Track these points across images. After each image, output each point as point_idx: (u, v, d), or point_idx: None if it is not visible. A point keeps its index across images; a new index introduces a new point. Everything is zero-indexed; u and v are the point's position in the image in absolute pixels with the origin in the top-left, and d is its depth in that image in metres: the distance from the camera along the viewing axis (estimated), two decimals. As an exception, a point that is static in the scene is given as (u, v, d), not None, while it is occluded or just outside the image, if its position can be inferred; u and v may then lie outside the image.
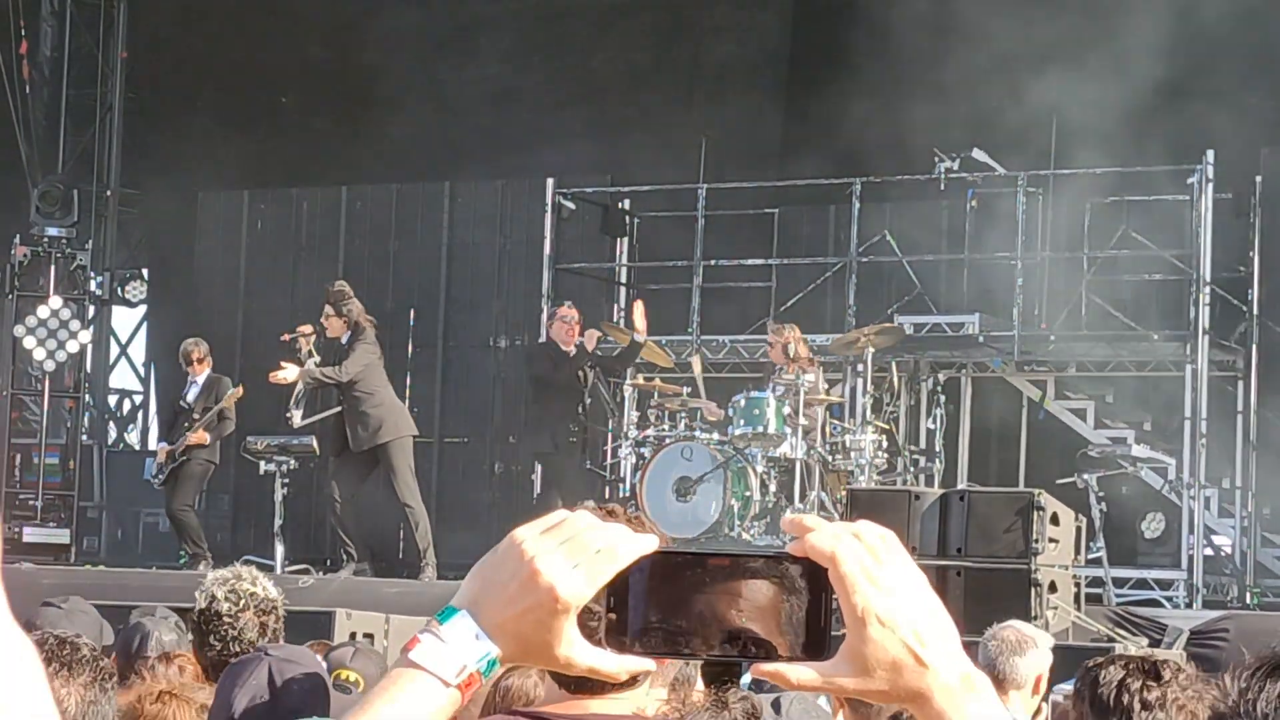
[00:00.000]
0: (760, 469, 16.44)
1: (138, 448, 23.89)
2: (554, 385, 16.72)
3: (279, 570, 16.44)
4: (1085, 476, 16.10)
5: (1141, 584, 16.68)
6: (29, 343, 20.83)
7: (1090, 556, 14.80)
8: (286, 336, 17.11)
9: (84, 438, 22.08)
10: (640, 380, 17.71)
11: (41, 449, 21.04)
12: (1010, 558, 12.56)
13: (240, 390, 17.49)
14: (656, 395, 16.82)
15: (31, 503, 20.87)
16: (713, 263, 18.81)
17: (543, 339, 17.55)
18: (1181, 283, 17.23)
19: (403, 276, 21.20)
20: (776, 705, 5.05)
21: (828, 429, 16.64)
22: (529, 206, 20.72)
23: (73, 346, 21.09)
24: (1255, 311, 17.47)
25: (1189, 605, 15.94)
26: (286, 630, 6.33)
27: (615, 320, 19.52)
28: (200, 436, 17.07)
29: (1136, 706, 4.49)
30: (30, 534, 20.43)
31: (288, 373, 16.37)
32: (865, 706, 5.42)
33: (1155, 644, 13.07)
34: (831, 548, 1.89)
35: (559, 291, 19.90)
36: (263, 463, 17.91)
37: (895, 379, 17.81)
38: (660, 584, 1.93)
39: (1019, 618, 12.21)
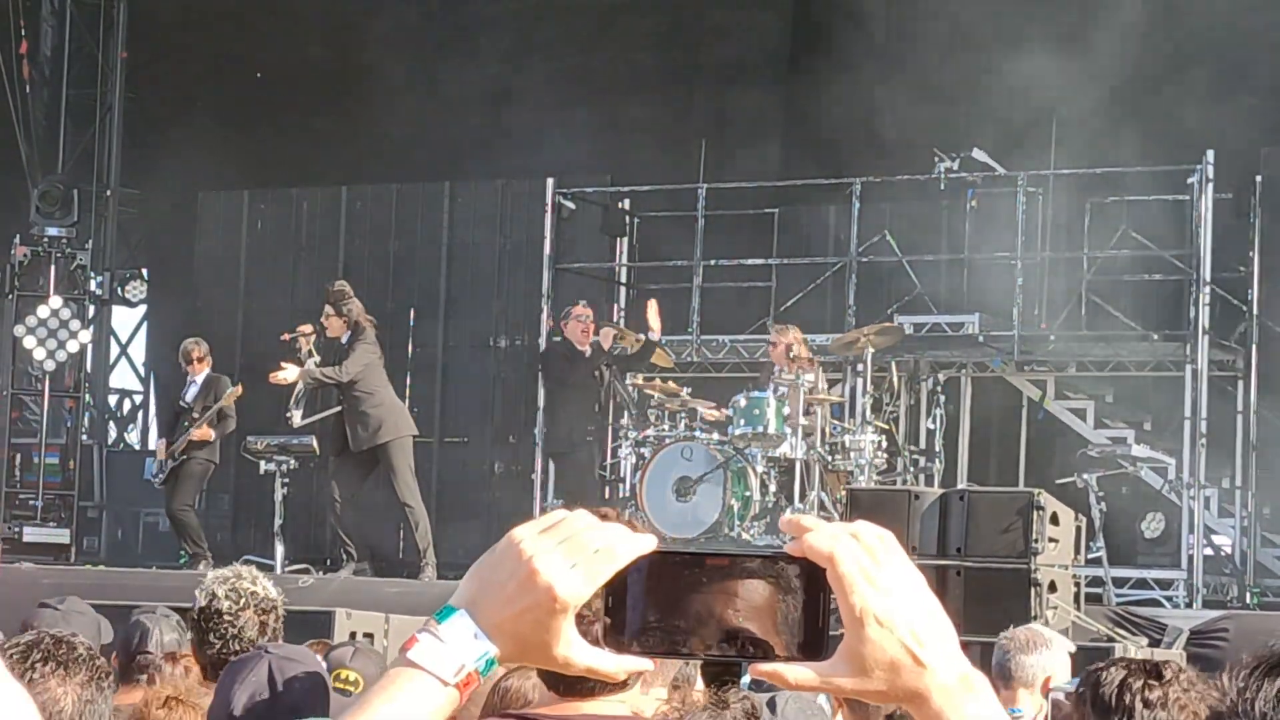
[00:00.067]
0: (760, 469, 16.43)
1: (138, 447, 23.90)
2: (570, 384, 16.65)
3: (279, 570, 16.43)
4: (1085, 476, 16.10)
5: (1141, 584, 16.67)
6: (29, 342, 20.83)
7: (1090, 556, 14.80)
8: (286, 336, 17.11)
9: (84, 437, 22.08)
10: (640, 380, 17.70)
11: (41, 449, 21.05)
12: (1010, 558, 12.55)
13: (239, 389, 17.48)
14: (656, 395, 16.81)
15: (31, 503, 20.88)
16: (713, 263, 18.80)
17: (557, 338, 17.41)
18: (1181, 283, 17.23)
19: (403, 276, 21.19)
20: (772, 704, 5.05)
21: (827, 429, 16.64)
22: (529, 206, 20.72)
23: (73, 346, 21.09)
24: (1255, 311, 17.47)
25: (1189, 605, 15.94)
26: (286, 630, 6.33)
27: (616, 320, 19.52)
28: (204, 433, 17.03)
29: (1138, 705, 4.49)
30: (30, 534, 20.44)
31: (288, 373, 16.36)
32: (864, 706, 5.43)
33: (1155, 644, 13.07)
34: (829, 548, 1.90)
35: (559, 291, 19.90)
36: (263, 463, 17.91)
37: (895, 379, 17.81)
38: (658, 584, 1.93)
39: (1018, 618, 12.23)
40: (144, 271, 24.74)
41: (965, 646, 1.96)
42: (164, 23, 22.87)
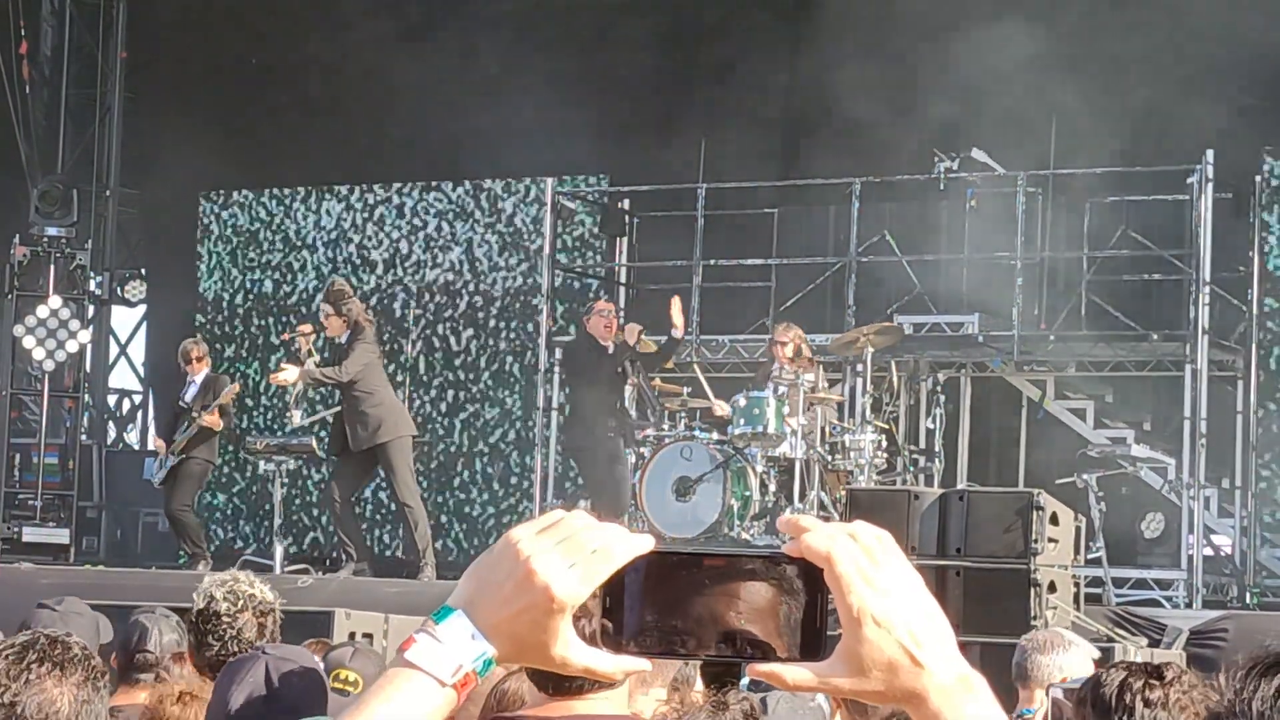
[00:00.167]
0: (760, 469, 16.43)
1: (137, 448, 23.89)
2: (593, 380, 16.47)
3: (278, 570, 16.43)
4: (1085, 476, 16.10)
5: (1141, 584, 16.68)
6: (28, 342, 20.83)
7: (1090, 556, 14.79)
8: (286, 336, 17.11)
9: (83, 437, 22.08)
10: (639, 380, 17.70)
11: (41, 449, 21.05)
12: (1010, 558, 12.55)
13: (237, 386, 17.46)
14: (656, 395, 16.79)
15: (31, 503, 20.88)
16: (712, 263, 18.80)
17: (580, 333, 17.21)
18: (1181, 283, 17.23)
19: (402, 276, 21.21)
20: (764, 704, 5.06)
21: (827, 429, 16.64)
22: (529, 206, 20.73)
23: (72, 346, 21.09)
24: (1255, 311, 17.47)
25: (1189, 605, 15.93)
26: (286, 630, 6.34)
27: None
28: (213, 420, 16.95)
29: (1139, 705, 4.49)
30: (30, 534, 20.44)
31: (287, 373, 16.36)
32: (863, 706, 5.42)
33: (1155, 644, 13.07)
34: (827, 548, 1.89)
35: (559, 291, 19.92)
36: (262, 463, 17.92)
37: (895, 379, 17.81)
38: (656, 584, 1.93)
39: (1018, 618, 12.25)
40: (143, 271, 24.74)
41: (964, 647, 1.96)
42: (164, 23, 22.87)
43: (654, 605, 1.93)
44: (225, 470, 21.32)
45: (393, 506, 17.98)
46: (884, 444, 16.76)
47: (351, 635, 11.68)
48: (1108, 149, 17.31)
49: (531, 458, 19.56)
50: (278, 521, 17.34)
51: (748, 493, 16.44)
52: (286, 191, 22.13)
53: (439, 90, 19.75)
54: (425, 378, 21.07)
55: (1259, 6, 17.29)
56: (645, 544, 1.94)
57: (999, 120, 17.30)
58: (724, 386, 17.19)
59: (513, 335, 20.77)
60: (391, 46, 20.26)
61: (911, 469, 17.52)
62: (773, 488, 16.49)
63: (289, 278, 22.02)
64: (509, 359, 20.80)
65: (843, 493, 15.48)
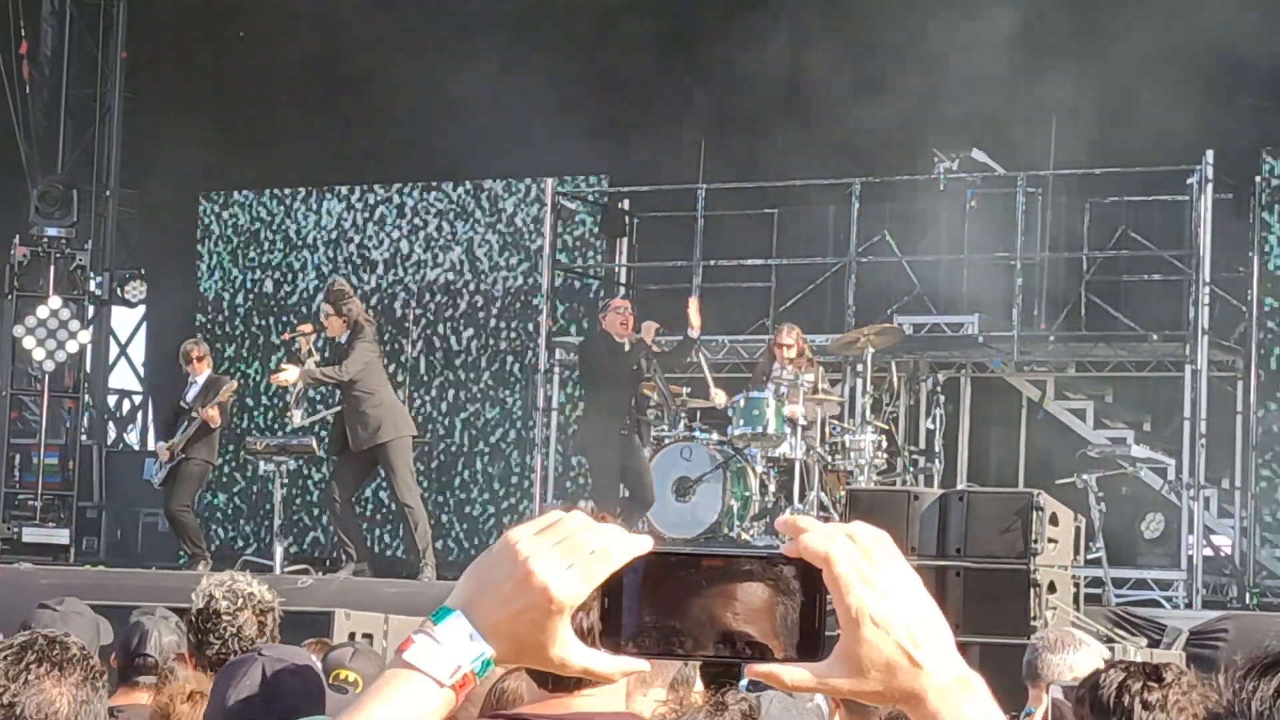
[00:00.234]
0: (760, 469, 16.44)
1: (137, 448, 23.89)
2: (608, 377, 16.30)
3: (278, 570, 16.43)
4: (1085, 477, 16.10)
5: (1141, 584, 16.68)
6: (28, 343, 20.83)
7: (1090, 557, 14.79)
8: (286, 336, 17.11)
9: (83, 438, 22.08)
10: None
11: (41, 449, 21.04)
12: (1009, 558, 12.55)
13: (235, 383, 17.44)
14: (656, 395, 16.78)
15: (31, 503, 20.87)
16: (712, 263, 18.81)
17: (596, 331, 17.06)
18: (1181, 283, 17.23)
19: (402, 276, 21.22)
20: (758, 704, 5.05)
21: (827, 429, 16.64)
22: (529, 206, 20.73)
23: (72, 347, 21.09)
24: (1255, 312, 17.48)
25: (1188, 606, 15.94)
26: (285, 631, 6.34)
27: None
28: (211, 415, 16.91)
29: (1137, 707, 4.48)
30: (30, 534, 20.44)
31: (288, 373, 16.36)
32: (862, 707, 5.43)
33: (1154, 644, 13.07)
34: (826, 549, 1.89)
35: (559, 291, 19.92)
36: (262, 463, 17.91)
37: (895, 379, 17.81)
38: (654, 585, 1.93)
39: (1018, 619, 12.25)
40: (143, 271, 24.73)
41: (964, 647, 1.96)
42: (164, 22, 22.87)
43: (652, 606, 1.93)
44: (225, 470, 21.32)
45: (393, 506, 17.96)
46: (884, 444, 16.77)
47: (351, 636, 11.68)
48: (1108, 149, 17.30)
49: (531, 458, 19.56)
50: (278, 522, 17.33)
51: (747, 493, 16.44)
52: (286, 191, 22.13)
53: (439, 90, 19.75)
54: (425, 378, 21.07)
55: (1259, 6, 17.29)
56: (644, 544, 1.94)
57: (999, 120, 17.30)
58: (724, 386, 17.17)
59: (513, 335, 20.77)
60: (391, 46, 20.26)
61: (911, 469, 17.53)
62: (772, 488, 16.49)
63: (289, 278, 22.02)
64: (509, 359, 20.80)
65: (842, 493, 15.49)
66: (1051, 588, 12.69)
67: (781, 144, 19.55)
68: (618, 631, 1.93)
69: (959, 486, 16.24)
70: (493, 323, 20.92)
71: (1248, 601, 16.58)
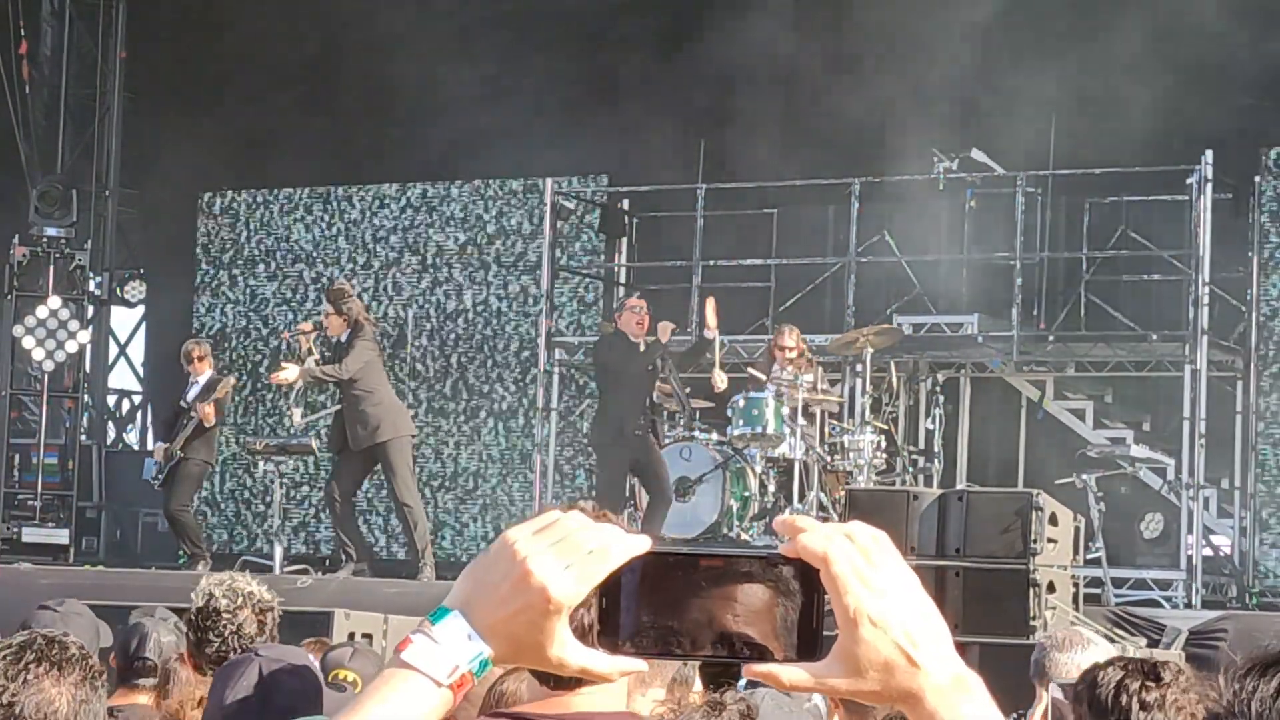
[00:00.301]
0: (759, 469, 16.44)
1: (136, 448, 23.88)
2: (623, 377, 16.16)
3: (278, 570, 16.43)
4: (1084, 477, 16.10)
5: (1140, 584, 16.68)
6: (28, 343, 20.83)
7: (1089, 557, 14.79)
8: (287, 335, 17.11)
9: (83, 438, 22.08)
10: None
11: (40, 449, 21.04)
12: (1009, 558, 12.55)
13: (232, 379, 17.43)
14: (656, 395, 16.76)
15: (30, 503, 20.87)
16: (712, 263, 18.80)
17: (612, 330, 16.95)
18: (1180, 283, 17.23)
19: (402, 276, 21.21)
20: (749, 703, 5.06)
21: (826, 429, 16.64)
22: (529, 206, 20.73)
23: (71, 347, 21.09)
24: (1254, 312, 17.48)
25: (1188, 606, 15.94)
26: (285, 631, 6.35)
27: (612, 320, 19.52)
28: (208, 412, 16.89)
29: (1135, 707, 4.48)
30: (29, 534, 20.43)
31: (288, 372, 16.36)
32: (861, 707, 5.42)
33: (1154, 644, 13.07)
34: (823, 549, 1.89)
35: (559, 291, 19.92)
36: (262, 463, 17.91)
37: (894, 379, 17.81)
38: (652, 585, 1.93)
39: (1017, 619, 12.26)
40: (142, 271, 24.73)
41: (964, 647, 1.96)
42: (163, 22, 22.86)
43: (650, 606, 1.93)
44: (225, 470, 21.32)
45: (392, 506, 17.95)
46: (883, 444, 16.77)
47: (351, 635, 11.68)
48: (1108, 149, 17.30)
49: (531, 458, 19.56)
50: (277, 522, 17.33)
51: (747, 493, 16.44)
52: (286, 191, 22.12)
53: (439, 90, 19.74)
54: (424, 377, 21.06)
55: (1259, 6, 17.29)
56: (642, 544, 1.94)
57: (999, 120, 17.30)
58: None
59: (513, 335, 20.76)
60: (392, 46, 20.25)
61: (911, 469, 17.53)
62: (772, 488, 16.49)
63: (289, 278, 22.01)
64: (509, 358, 20.79)
65: (842, 493, 15.48)
66: (1051, 588, 12.69)
67: (781, 144, 19.55)
68: (615, 631, 1.93)
69: (958, 486, 16.24)
70: (492, 322, 20.91)
71: (1247, 601, 16.57)
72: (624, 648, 1.93)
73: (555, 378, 19.27)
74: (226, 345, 21.98)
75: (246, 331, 22.09)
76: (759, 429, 16.15)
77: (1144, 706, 4.45)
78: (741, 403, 16.27)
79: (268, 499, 17.55)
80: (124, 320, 24.88)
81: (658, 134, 19.74)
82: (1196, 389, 16.62)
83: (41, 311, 20.82)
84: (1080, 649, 6.68)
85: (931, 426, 18.03)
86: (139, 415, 24.93)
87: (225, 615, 6.03)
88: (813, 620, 1.92)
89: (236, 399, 20.46)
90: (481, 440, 20.75)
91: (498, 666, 2.03)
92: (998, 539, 12.59)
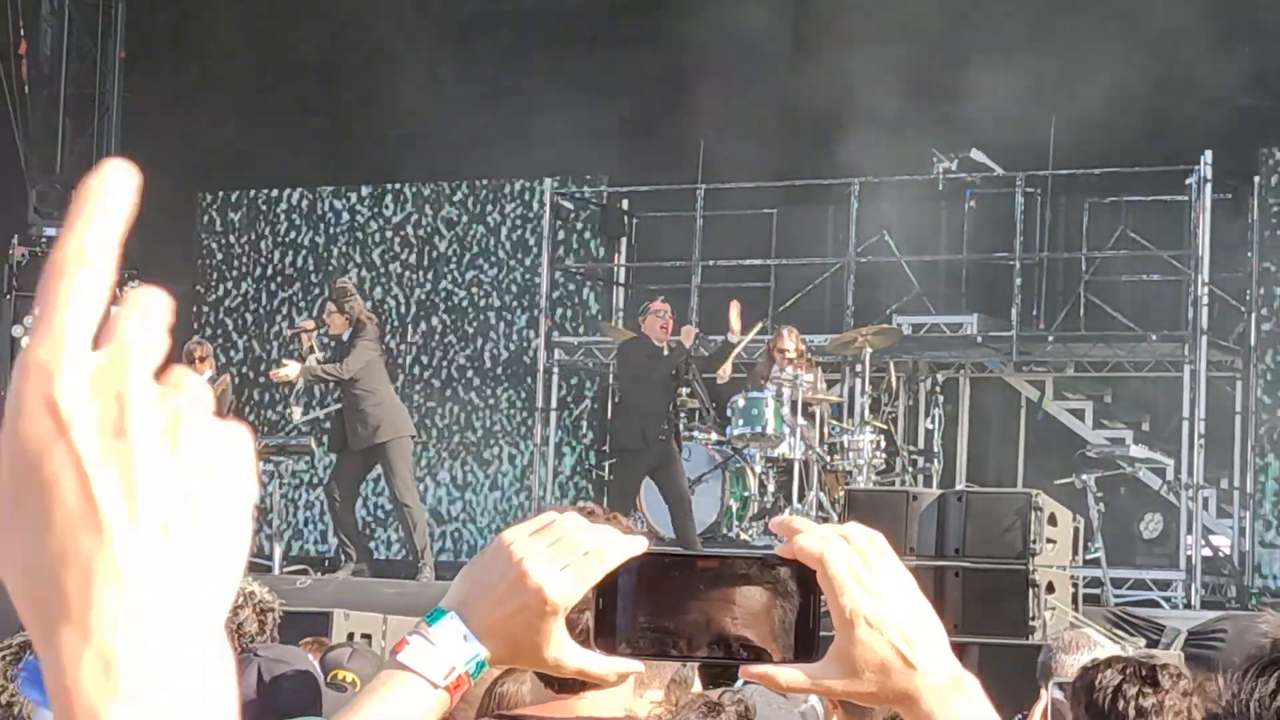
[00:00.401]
0: (759, 469, 16.44)
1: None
2: (647, 381, 16.07)
3: (277, 571, 16.43)
4: (1084, 477, 16.10)
5: (1140, 584, 16.68)
6: (27, 343, 20.84)
7: (1088, 557, 14.80)
8: (289, 332, 17.12)
9: (82, 438, 22.06)
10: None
11: (40, 449, 21.03)
12: (1008, 558, 12.55)
13: (226, 378, 17.42)
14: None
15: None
16: (711, 263, 18.80)
17: (634, 334, 16.77)
18: (1180, 283, 17.24)
19: (401, 276, 21.22)
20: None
21: (826, 429, 16.64)
22: (529, 206, 20.73)
23: (71, 347, 21.08)
24: (1254, 312, 17.48)
25: (1187, 606, 15.94)
26: (284, 631, 6.35)
27: (614, 320, 19.54)
28: None
29: (1131, 713, 4.48)
30: (29, 534, 20.42)
31: (289, 370, 16.37)
32: (859, 708, 5.42)
33: (1153, 644, 13.07)
34: (820, 549, 1.89)
35: (559, 291, 19.92)
36: (261, 463, 17.90)
37: (893, 379, 17.82)
38: (649, 586, 1.93)
39: (1017, 619, 12.26)
40: (141, 271, 24.72)
41: (963, 648, 1.96)
42: (163, 23, 22.87)
43: (647, 607, 1.93)
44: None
45: (391, 507, 17.94)
46: (883, 444, 16.77)
47: (350, 636, 11.68)
48: (1107, 149, 17.30)
49: (531, 458, 19.56)
50: (276, 522, 17.33)
51: (746, 493, 16.45)
52: (285, 191, 22.13)
53: (439, 90, 19.75)
54: (424, 377, 21.07)
55: (1259, 6, 17.29)
56: (638, 546, 1.94)
57: (998, 120, 17.30)
58: (723, 386, 17.17)
59: (512, 335, 20.77)
60: (391, 46, 20.26)
61: (910, 469, 17.53)
62: (771, 488, 16.49)
63: (288, 277, 22.02)
64: (509, 359, 20.79)
65: (841, 493, 15.49)
66: (1050, 588, 12.70)
67: (781, 144, 19.56)
68: (612, 632, 1.93)
69: (958, 487, 16.25)
70: (492, 323, 20.91)
71: (1247, 602, 16.57)
72: (621, 649, 1.93)
73: (555, 378, 19.26)
74: (226, 345, 21.98)
75: (245, 332, 22.08)
76: (758, 429, 16.15)
77: (1141, 713, 4.44)
78: (741, 403, 16.27)
79: (267, 501, 17.54)
80: (123, 320, 24.88)
81: (658, 134, 19.75)
82: (1196, 389, 16.63)
83: (41, 311, 20.82)
84: (1086, 651, 6.68)
85: (931, 426, 18.04)
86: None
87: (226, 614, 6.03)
88: (809, 621, 1.92)
89: (235, 400, 20.44)
90: (480, 440, 20.74)
91: (494, 667, 2.03)
92: (997, 539, 12.60)
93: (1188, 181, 16.82)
